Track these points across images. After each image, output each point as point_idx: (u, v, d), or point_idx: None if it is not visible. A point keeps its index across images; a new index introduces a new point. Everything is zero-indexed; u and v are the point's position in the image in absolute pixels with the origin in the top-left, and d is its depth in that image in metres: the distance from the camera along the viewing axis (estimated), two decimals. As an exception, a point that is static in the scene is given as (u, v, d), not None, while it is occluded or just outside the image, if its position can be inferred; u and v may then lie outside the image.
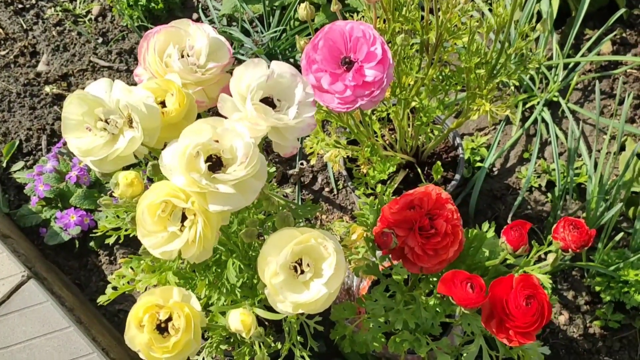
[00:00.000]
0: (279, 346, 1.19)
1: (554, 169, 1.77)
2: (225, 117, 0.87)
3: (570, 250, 0.95)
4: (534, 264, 1.10)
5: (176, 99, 0.86)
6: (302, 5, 1.09)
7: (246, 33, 2.01)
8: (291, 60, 1.97)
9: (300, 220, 1.14)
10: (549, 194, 1.77)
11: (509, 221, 1.66)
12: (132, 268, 1.14)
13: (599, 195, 1.60)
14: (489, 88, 1.14)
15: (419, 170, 1.53)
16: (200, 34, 0.96)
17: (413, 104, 1.26)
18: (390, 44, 1.12)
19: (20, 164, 1.90)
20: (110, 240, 1.20)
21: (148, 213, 0.78)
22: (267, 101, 0.87)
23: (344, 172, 1.53)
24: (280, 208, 1.14)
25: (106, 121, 0.81)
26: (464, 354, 1.12)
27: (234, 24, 2.09)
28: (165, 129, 0.86)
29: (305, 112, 0.87)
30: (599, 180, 1.65)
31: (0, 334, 1.30)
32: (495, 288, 0.95)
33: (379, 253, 1.15)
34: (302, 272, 0.83)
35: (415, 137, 1.45)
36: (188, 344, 0.78)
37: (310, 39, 1.03)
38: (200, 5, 2.22)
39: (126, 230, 1.14)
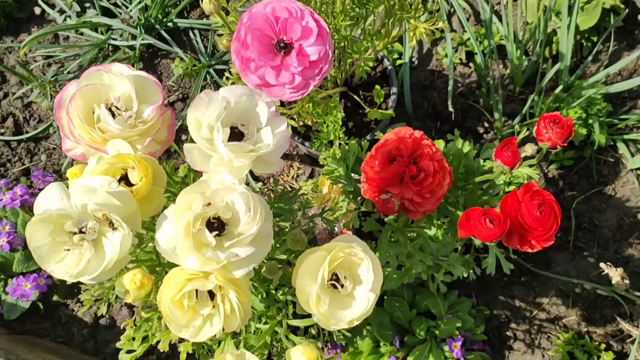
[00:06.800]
0: (313, 332, 1.19)
1: (468, 39, 1.78)
2: (195, 169, 0.79)
3: (558, 146, 0.97)
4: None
5: (139, 171, 0.75)
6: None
7: (109, 14, 1.78)
8: (170, 24, 1.79)
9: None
10: (471, 64, 1.78)
11: (450, 108, 1.67)
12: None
13: (520, 54, 1.63)
14: (415, 7, 1.09)
15: (355, 97, 1.48)
16: (117, 79, 0.82)
17: (341, 44, 1.19)
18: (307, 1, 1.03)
19: None
20: (102, 311, 1.11)
21: (176, 308, 0.71)
22: (234, 132, 0.78)
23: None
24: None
25: (80, 231, 0.71)
26: (484, 267, 1.16)
27: (88, 5, 1.84)
28: (139, 204, 0.77)
29: (277, 126, 0.80)
30: (514, 38, 1.67)
31: None
32: (505, 209, 0.96)
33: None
34: (342, 285, 0.80)
35: (345, 70, 1.39)
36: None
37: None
38: (38, -3, 1.93)
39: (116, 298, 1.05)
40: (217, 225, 0.72)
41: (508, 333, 1.56)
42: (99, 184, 0.72)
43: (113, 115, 0.80)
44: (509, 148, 0.97)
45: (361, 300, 0.80)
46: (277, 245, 1.08)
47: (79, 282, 1.05)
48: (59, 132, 1.68)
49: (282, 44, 0.90)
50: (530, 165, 1.12)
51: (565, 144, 0.97)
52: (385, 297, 1.53)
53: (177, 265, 0.74)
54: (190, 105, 0.76)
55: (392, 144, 1.03)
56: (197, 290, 0.73)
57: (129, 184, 0.77)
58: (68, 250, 0.70)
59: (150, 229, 0.94)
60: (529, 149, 1.10)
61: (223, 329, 0.75)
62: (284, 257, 1.04)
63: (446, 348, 1.44)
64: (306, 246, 0.88)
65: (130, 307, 1.63)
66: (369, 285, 0.80)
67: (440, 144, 1.33)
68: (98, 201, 0.70)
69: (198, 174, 1.04)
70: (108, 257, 0.70)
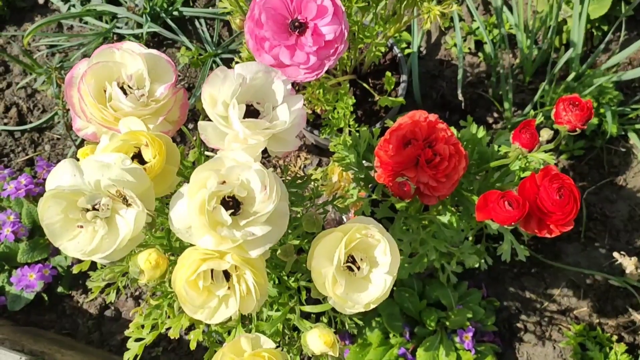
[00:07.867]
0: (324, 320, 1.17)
1: (477, 28, 1.76)
2: (210, 148, 0.77)
3: (577, 129, 0.95)
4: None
5: (153, 149, 0.73)
6: None
7: (114, 2, 1.76)
8: (175, 13, 1.77)
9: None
10: (480, 54, 1.76)
11: (459, 97, 1.65)
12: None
13: (530, 44, 1.61)
14: (429, -12, 1.07)
15: (365, 85, 1.46)
16: (129, 57, 0.80)
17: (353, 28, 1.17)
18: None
19: None
20: (111, 298, 1.09)
21: (191, 289, 0.69)
22: (249, 110, 0.76)
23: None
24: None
25: (94, 208, 0.69)
26: (499, 254, 1.14)
27: (94, -5, 1.82)
28: (153, 182, 0.75)
29: (293, 104, 0.78)
30: (524, 28, 1.65)
31: None
32: (523, 193, 0.94)
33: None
34: (359, 267, 0.78)
35: (355, 57, 1.37)
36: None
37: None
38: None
39: (124, 284, 1.04)
40: (232, 204, 0.70)
41: (518, 325, 1.54)
42: (112, 160, 0.70)
43: (125, 93, 0.79)
44: (527, 130, 0.95)
45: (378, 283, 0.78)
46: (289, 232, 1.06)
47: (85, 272, 1.04)
48: (68, 115, 1.66)
49: (296, 24, 0.88)
50: (547, 151, 1.10)
51: (585, 127, 0.95)
52: (394, 288, 1.51)
53: (190, 246, 0.73)
54: (205, 81, 0.74)
55: (407, 128, 1.01)
56: (212, 271, 0.71)
57: (142, 162, 0.75)
58: (81, 227, 0.68)
59: (161, 213, 0.93)
60: (545, 134, 1.08)
61: (239, 311, 0.73)
62: (296, 242, 1.02)
63: (457, 339, 1.43)
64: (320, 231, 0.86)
65: (136, 298, 1.61)
66: (385, 268, 0.78)
67: (453, 131, 1.31)
68: (112, 177, 0.68)
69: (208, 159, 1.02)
70: (122, 235, 0.68)
